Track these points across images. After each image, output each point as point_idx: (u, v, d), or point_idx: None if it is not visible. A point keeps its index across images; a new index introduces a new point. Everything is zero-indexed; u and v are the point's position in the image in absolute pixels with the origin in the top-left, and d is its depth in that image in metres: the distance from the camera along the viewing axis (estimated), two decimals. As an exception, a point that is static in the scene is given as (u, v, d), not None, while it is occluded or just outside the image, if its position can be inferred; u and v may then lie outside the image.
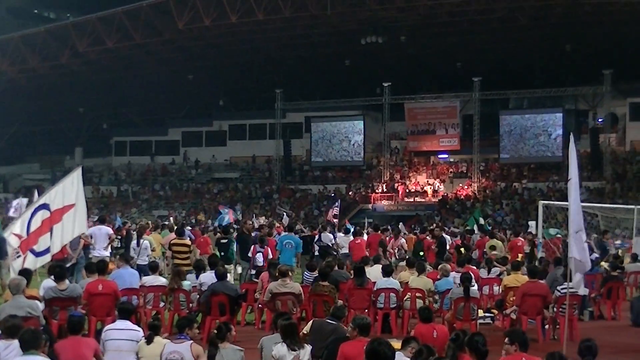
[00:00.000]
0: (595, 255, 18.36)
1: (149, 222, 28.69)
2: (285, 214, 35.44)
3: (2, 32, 51.87)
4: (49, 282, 10.62)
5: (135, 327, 8.61)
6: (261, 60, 47.08)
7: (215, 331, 8.38)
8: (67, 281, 10.73)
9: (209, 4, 39.86)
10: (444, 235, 21.18)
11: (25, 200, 26.65)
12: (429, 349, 6.95)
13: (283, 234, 19.33)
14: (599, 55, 40.33)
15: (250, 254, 18.85)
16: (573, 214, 9.55)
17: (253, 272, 15.52)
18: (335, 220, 28.25)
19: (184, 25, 40.80)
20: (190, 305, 11.89)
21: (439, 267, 13.43)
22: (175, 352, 7.79)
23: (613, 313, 13.74)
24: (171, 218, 33.45)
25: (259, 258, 18.40)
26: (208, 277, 12.06)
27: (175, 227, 20.72)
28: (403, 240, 20.50)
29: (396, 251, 20.10)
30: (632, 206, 25.52)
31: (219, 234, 19.44)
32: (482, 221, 29.12)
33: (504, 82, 43.17)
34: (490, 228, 26.58)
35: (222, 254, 16.68)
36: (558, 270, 13.08)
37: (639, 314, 12.82)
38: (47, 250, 11.37)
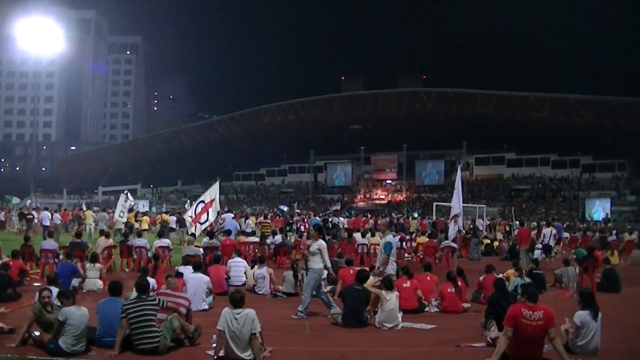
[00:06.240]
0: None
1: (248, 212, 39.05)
2: (294, 208, 45.94)
3: (176, 125, 76.89)
4: (206, 238, 15.14)
5: (243, 260, 12.43)
6: (303, 136, 69.94)
7: (291, 263, 12.17)
8: (214, 239, 15.18)
9: (280, 109, 67.09)
10: (390, 219, 29.77)
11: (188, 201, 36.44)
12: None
13: (312, 218, 28.36)
14: (461, 133, 63.52)
15: (296, 227, 26.62)
16: (454, 206, 13.37)
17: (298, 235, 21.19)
18: (335, 210, 50.41)
19: (268, 120, 67.86)
20: (270, 251, 16.17)
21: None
22: (259, 272, 10.99)
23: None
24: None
25: (302, 229, 25.36)
26: (278, 238, 17.17)
27: (263, 214, 30.04)
28: (371, 220, 28.72)
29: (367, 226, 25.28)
30: (475, 205, 36.02)
31: (282, 218, 29.62)
32: (415, 214, 42.53)
33: (418, 147, 68.09)
34: (417, 217, 36.99)
35: (287, 228, 24.17)
36: (442, 234, 18.59)
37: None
38: (206, 222, 16.23)
